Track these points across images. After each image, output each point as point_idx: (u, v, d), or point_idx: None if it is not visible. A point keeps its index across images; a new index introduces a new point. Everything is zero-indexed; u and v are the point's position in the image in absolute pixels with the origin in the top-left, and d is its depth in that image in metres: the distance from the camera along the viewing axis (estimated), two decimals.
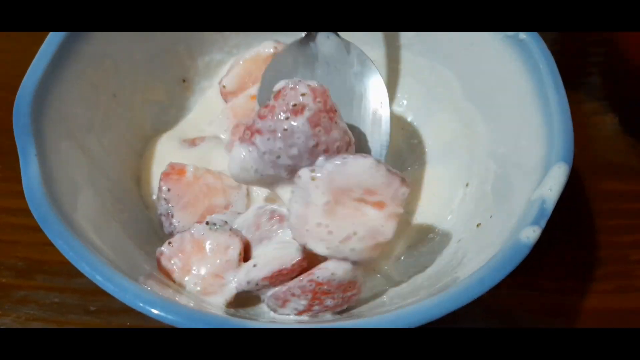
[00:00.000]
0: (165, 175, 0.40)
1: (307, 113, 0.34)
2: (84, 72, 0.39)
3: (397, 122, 0.47)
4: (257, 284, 0.36)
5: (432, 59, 0.44)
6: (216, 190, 0.40)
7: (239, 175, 0.36)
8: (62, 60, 0.38)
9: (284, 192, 0.36)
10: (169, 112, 0.47)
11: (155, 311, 0.29)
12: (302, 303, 0.35)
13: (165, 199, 0.39)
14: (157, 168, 0.43)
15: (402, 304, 0.33)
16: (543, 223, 0.31)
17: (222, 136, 0.45)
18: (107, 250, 0.33)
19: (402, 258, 0.40)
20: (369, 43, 0.46)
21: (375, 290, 0.38)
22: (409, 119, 0.47)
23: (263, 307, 0.37)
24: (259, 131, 0.35)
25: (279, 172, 0.35)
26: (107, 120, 0.41)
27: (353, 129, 0.39)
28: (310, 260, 0.36)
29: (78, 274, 0.30)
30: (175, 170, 0.40)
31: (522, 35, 0.38)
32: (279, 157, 0.35)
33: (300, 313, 0.35)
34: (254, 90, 0.43)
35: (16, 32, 0.53)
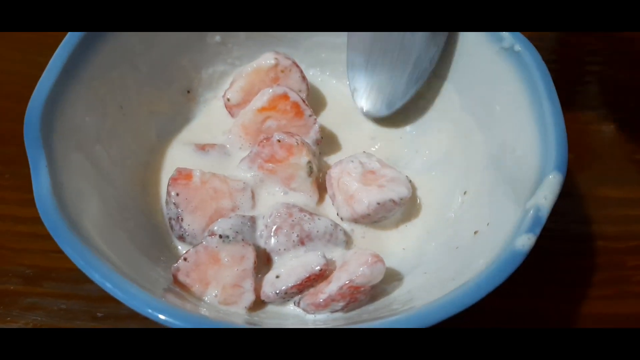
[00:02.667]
0: (174, 180, 0.41)
1: None
2: (91, 85, 0.40)
3: (396, 130, 0.48)
4: (285, 293, 0.38)
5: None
6: (223, 193, 0.41)
7: None
8: (71, 72, 0.38)
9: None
10: (174, 123, 0.47)
11: (162, 317, 0.29)
12: (340, 304, 0.36)
13: (174, 204, 0.40)
14: (164, 175, 0.44)
15: (398, 310, 0.34)
16: (538, 231, 0.32)
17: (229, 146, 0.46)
18: (114, 257, 0.34)
19: (399, 263, 0.41)
20: None
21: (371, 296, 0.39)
22: (407, 128, 0.47)
23: (288, 309, 0.39)
24: None
25: None
26: (114, 131, 0.42)
27: None
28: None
29: (85, 280, 0.31)
30: (182, 175, 0.41)
31: (518, 47, 0.38)
32: None
33: (335, 312, 0.37)
34: (258, 102, 0.44)
35: (26, 44, 0.54)
